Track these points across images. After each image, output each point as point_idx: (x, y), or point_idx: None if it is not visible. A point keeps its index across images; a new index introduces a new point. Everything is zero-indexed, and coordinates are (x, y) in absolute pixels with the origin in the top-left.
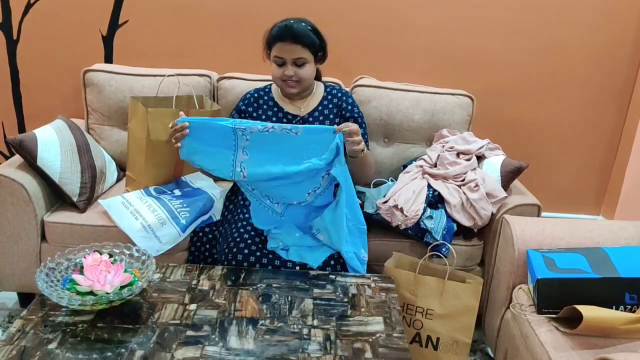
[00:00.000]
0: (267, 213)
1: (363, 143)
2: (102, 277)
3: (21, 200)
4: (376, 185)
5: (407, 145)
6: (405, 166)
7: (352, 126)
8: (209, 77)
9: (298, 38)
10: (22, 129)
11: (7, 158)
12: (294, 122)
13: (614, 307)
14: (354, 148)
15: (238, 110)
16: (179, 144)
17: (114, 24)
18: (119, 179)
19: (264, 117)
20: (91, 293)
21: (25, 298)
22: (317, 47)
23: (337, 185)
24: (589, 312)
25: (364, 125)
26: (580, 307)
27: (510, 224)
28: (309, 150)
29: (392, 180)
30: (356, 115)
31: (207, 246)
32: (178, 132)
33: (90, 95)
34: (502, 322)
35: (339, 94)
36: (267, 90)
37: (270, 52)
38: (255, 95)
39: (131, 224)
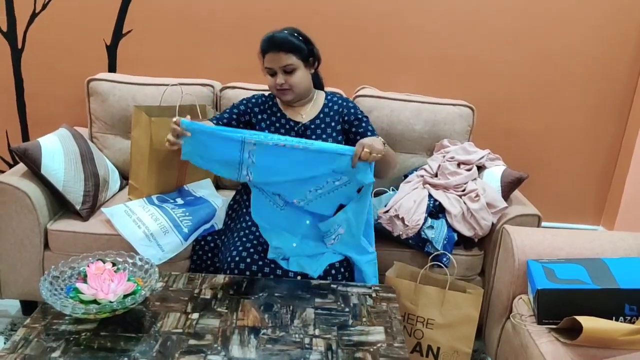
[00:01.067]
0: (268, 204)
1: (381, 147)
2: (106, 285)
3: (25, 209)
4: (377, 194)
5: (408, 155)
6: (406, 176)
7: (366, 146)
8: (212, 86)
9: (280, 46)
10: (25, 137)
11: (10, 166)
12: (295, 128)
13: (613, 318)
14: (377, 157)
15: (243, 102)
16: (179, 141)
17: (118, 34)
18: (121, 188)
19: (267, 121)
20: (94, 302)
21: (28, 306)
22: (304, 51)
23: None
24: (589, 323)
25: (369, 123)
26: (580, 318)
27: (511, 234)
28: (318, 163)
29: (393, 190)
30: (360, 115)
31: (209, 255)
32: (179, 132)
33: (93, 104)
34: (503, 332)
35: (340, 101)
36: (272, 96)
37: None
38: (263, 98)
39: (134, 232)
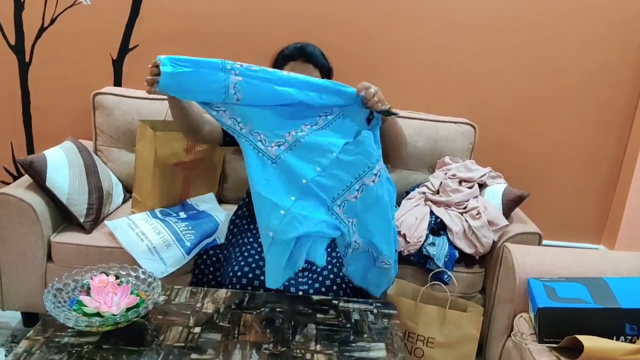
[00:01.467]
0: (259, 159)
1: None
2: (109, 298)
3: (29, 220)
4: None
5: (410, 171)
6: (407, 192)
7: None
8: None
9: (310, 58)
10: (30, 149)
11: (14, 177)
12: None
13: (614, 337)
14: (379, 107)
15: None
16: (157, 77)
17: (124, 49)
18: (125, 201)
19: None
20: (98, 314)
21: (29, 318)
22: (326, 69)
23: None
24: (590, 342)
25: None
26: (581, 338)
27: (512, 252)
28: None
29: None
30: None
31: (211, 269)
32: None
33: (99, 117)
34: (503, 350)
35: None
36: None
37: None
38: None
39: (137, 246)
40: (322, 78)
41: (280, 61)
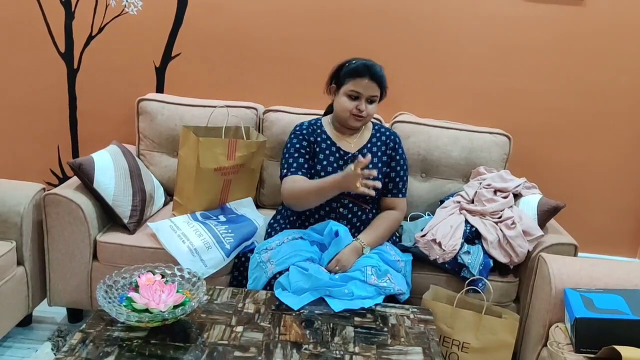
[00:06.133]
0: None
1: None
2: (157, 296)
3: (77, 220)
4: (413, 218)
5: (444, 180)
6: (442, 201)
7: (339, 265)
8: (255, 109)
9: (377, 78)
10: (75, 152)
11: (59, 179)
12: (345, 158)
13: None
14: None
15: (297, 134)
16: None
17: (167, 56)
18: (165, 204)
19: (321, 146)
20: (147, 311)
21: (74, 314)
22: (384, 89)
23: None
24: (628, 353)
25: (405, 168)
26: (619, 348)
27: (548, 263)
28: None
29: (428, 215)
30: (399, 158)
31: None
32: None
33: (142, 122)
34: None
35: (387, 133)
36: (319, 124)
37: (340, 85)
38: (312, 127)
39: (178, 247)
40: (380, 98)
41: (342, 76)
